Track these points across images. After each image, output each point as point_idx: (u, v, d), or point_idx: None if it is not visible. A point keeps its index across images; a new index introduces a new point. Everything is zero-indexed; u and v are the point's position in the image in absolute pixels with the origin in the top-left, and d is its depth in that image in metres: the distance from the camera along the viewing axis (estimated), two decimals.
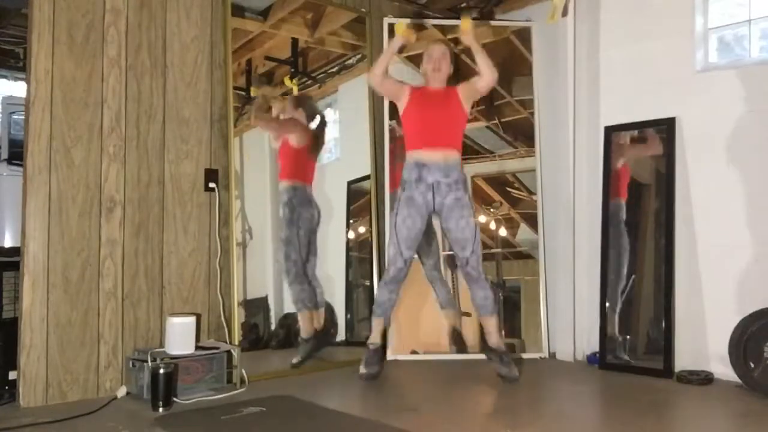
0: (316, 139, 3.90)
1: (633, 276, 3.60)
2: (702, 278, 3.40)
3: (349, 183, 4.06)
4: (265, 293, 3.62)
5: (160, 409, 2.72)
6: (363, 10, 4.06)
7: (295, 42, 3.84)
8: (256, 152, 3.68)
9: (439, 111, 3.28)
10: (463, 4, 4.40)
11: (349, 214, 4.03)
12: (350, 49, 4.05)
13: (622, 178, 3.74)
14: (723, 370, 3.21)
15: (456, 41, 4.15)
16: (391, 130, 4.00)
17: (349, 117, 4.07)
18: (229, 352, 3.19)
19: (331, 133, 4.00)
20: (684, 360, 3.38)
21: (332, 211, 3.86)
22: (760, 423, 2.59)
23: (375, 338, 3.37)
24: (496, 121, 4.17)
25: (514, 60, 4.18)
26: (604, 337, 3.60)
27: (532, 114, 4.07)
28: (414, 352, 3.89)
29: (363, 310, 3.96)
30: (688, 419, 2.75)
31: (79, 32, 2.97)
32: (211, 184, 3.35)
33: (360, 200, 4.06)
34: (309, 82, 3.94)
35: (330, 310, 3.81)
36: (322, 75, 4.00)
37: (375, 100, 4.03)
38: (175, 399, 2.82)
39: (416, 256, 3.53)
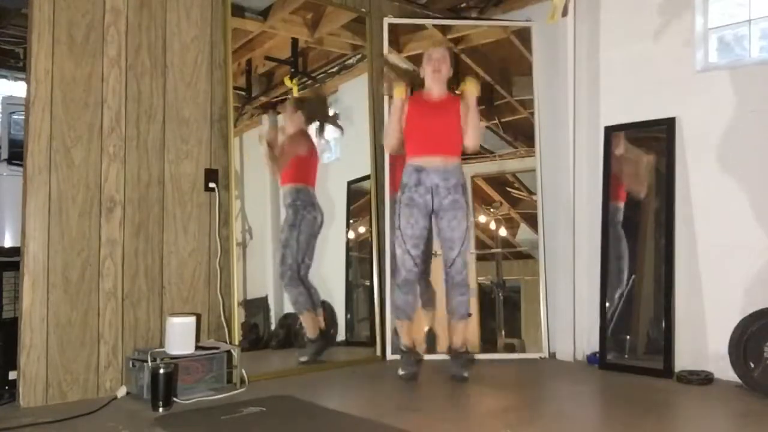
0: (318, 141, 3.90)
1: (633, 276, 3.60)
2: (702, 278, 3.40)
3: (349, 183, 4.06)
4: (265, 293, 3.62)
5: (160, 409, 2.72)
6: (363, 10, 4.05)
7: (295, 42, 3.84)
8: (256, 152, 3.68)
9: (440, 119, 3.32)
10: (463, 4, 4.40)
11: (349, 214, 4.04)
12: (350, 49, 4.05)
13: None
14: (723, 370, 3.21)
15: (456, 41, 4.16)
16: None
17: (349, 117, 4.07)
18: (229, 352, 3.19)
19: (331, 134, 4.01)
20: (684, 360, 3.38)
21: (332, 210, 3.86)
22: (760, 423, 2.59)
23: (405, 341, 3.43)
24: (496, 121, 4.17)
25: (514, 60, 4.18)
26: (604, 337, 3.60)
27: (532, 114, 4.07)
28: None
29: (363, 310, 3.96)
30: (688, 419, 2.75)
31: (79, 32, 2.97)
32: (211, 184, 3.35)
33: (360, 200, 4.05)
34: (309, 81, 3.94)
35: (330, 310, 3.81)
36: (322, 75, 4.00)
37: (375, 100, 4.03)
38: (175, 399, 2.82)
39: (436, 253, 3.57)
